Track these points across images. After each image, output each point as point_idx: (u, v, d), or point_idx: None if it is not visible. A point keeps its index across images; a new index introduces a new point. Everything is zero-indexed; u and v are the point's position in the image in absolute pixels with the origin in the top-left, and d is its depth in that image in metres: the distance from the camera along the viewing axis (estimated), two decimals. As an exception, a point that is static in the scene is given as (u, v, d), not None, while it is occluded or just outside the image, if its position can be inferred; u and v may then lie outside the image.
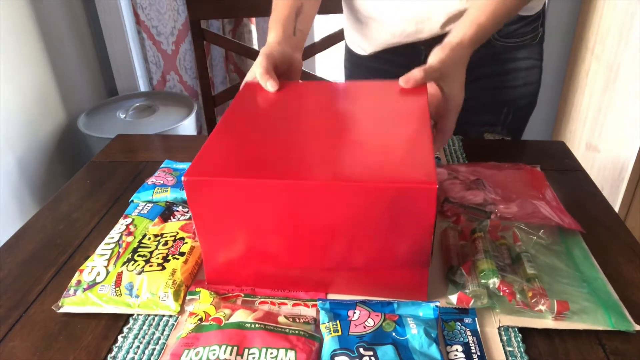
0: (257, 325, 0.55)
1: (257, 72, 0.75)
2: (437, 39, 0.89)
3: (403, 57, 0.94)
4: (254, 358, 0.52)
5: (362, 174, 0.54)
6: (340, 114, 0.68)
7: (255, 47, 1.88)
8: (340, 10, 1.05)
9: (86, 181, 0.92)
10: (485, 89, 0.94)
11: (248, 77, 0.80)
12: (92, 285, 0.64)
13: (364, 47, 1.00)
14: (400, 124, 0.64)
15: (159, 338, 0.59)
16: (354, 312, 0.57)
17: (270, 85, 0.73)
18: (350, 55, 1.07)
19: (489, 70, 0.93)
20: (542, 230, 0.70)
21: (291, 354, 0.52)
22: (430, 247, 0.57)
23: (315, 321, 0.59)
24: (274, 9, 0.87)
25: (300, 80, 0.85)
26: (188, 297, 0.63)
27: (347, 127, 0.65)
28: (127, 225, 0.74)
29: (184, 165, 0.89)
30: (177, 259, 0.66)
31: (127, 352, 0.57)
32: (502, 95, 0.96)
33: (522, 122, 1.02)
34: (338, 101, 0.73)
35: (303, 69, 1.38)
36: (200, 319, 0.57)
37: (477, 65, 0.81)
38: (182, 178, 0.56)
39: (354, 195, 0.54)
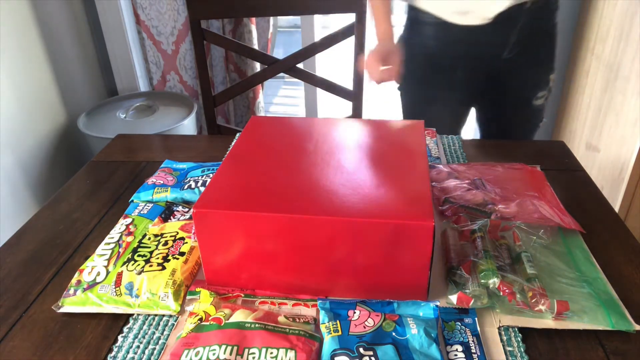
0: (257, 325, 0.55)
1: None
2: (535, 4, 0.99)
3: (501, 26, 1.00)
4: (254, 358, 0.52)
5: (362, 210, 0.57)
6: (342, 151, 0.72)
7: (256, 47, 1.88)
8: (341, 11, 1.06)
9: (86, 181, 0.92)
10: (545, 44, 1.09)
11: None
12: (92, 285, 0.64)
13: (481, 13, 1.00)
14: (399, 161, 0.68)
15: (159, 338, 0.59)
16: (354, 312, 0.57)
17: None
18: (439, 31, 1.06)
19: (545, 31, 1.08)
20: (542, 230, 0.70)
21: (291, 353, 0.52)
22: (428, 277, 0.59)
23: (315, 321, 0.59)
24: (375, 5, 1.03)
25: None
26: (188, 297, 0.63)
27: (349, 163, 0.68)
28: (127, 225, 0.74)
29: (184, 165, 0.89)
30: (177, 258, 0.66)
31: (127, 352, 0.57)
32: (552, 44, 1.10)
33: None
34: (340, 138, 0.76)
35: (303, 69, 1.38)
36: (200, 319, 0.57)
37: (542, 26, 1.05)
38: (192, 210, 0.60)
39: (355, 230, 0.57)
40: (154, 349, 0.57)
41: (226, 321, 0.56)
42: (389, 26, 1.04)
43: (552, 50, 1.10)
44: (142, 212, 0.77)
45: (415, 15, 1.07)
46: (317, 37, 1.57)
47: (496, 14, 0.96)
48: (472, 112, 1.19)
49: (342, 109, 1.52)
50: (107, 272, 0.65)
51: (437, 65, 1.08)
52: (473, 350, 0.55)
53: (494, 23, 0.97)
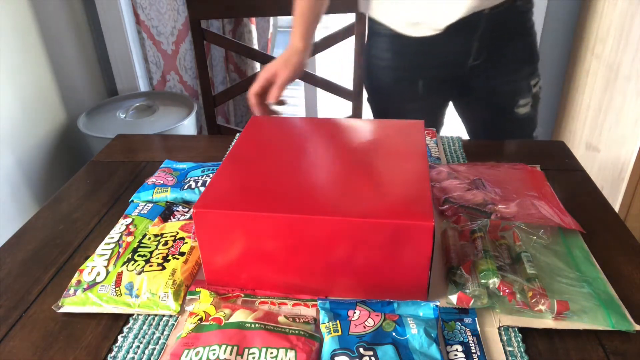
0: (257, 325, 0.55)
1: (279, 80, 0.89)
2: (497, 9, 0.92)
3: (460, 34, 0.95)
4: (254, 358, 0.52)
5: (362, 210, 0.57)
6: (342, 150, 0.72)
7: (255, 47, 1.88)
8: (341, 11, 1.05)
9: (86, 181, 0.92)
10: (521, 48, 1.01)
11: (268, 71, 0.91)
12: (92, 285, 0.64)
13: (432, 24, 0.96)
14: (399, 161, 0.68)
15: (159, 338, 0.59)
16: (354, 312, 0.57)
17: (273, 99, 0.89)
18: (395, 42, 1.03)
19: (519, 32, 1.00)
20: (542, 230, 0.70)
21: (291, 353, 0.52)
22: (428, 277, 0.59)
23: (315, 321, 0.59)
24: (299, 11, 0.93)
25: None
26: (188, 297, 0.63)
27: (349, 163, 0.68)
28: (127, 225, 0.74)
29: (184, 165, 0.89)
30: (177, 258, 0.66)
31: (127, 352, 0.57)
32: (531, 48, 1.02)
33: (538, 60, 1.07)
34: (340, 138, 0.76)
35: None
36: (200, 319, 0.57)
37: (512, 29, 0.97)
38: (192, 210, 0.60)
39: (355, 230, 0.57)
40: (154, 349, 0.57)
41: (226, 321, 0.56)
42: (303, 39, 0.93)
43: (530, 54, 1.02)
44: (142, 212, 0.77)
45: (373, 27, 1.05)
46: (317, 37, 1.57)
47: (447, 25, 0.92)
48: (456, 120, 1.17)
49: (342, 109, 1.52)
50: (107, 272, 0.65)
51: (397, 77, 1.06)
52: (473, 350, 0.55)
53: (448, 33, 0.93)
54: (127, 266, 0.65)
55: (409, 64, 1.03)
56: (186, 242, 0.69)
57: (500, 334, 0.57)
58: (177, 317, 0.61)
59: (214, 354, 0.52)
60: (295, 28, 0.93)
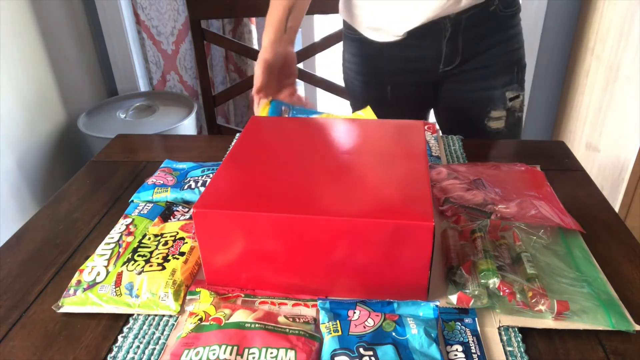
0: (257, 325, 0.55)
1: (254, 84, 0.88)
2: (465, 13, 0.90)
3: (426, 39, 0.94)
4: (254, 358, 0.52)
5: (362, 210, 0.57)
6: (342, 150, 0.72)
7: (255, 47, 1.88)
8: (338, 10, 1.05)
9: (86, 181, 0.92)
10: (499, 55, 0.99)
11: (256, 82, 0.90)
12: (92, 285, 0.64)
13: (391, 30, 0.95)
14: (399, 161, 0.67)
15: (159, 338, 0.59)
16: (354, 312, 0.57)
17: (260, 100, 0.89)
18: (362, 47, 1.02)
19: (498, 39, 0.97)
20: (542, 230, 0.70)
21: (291, 353, 0.52)
22: (428, 277, 0.59)
23: (315, 321, 0.59)
24: (269, 11, 0.92)
25: (301, 95, 0.95)
26: (188, 297, 0.63)
27: (349, 163, 0.68)
28: (127, 225, 0.74)
29: (184, 165, 0.89)
30: (177, 258, 0.66)
31: (127, 352, 0.57)
32: (511, 57, 1.00)
33: (524, 76, 1.05)
34: (340, 137, 0.76)
35: (303, 69, 1.38)
36: (200, 319, 0.58)
37: (488, 34, 0.96)
38: (192, 210, 0.60)
39: (355, 230, 0.57)
40: (154, 349, 0.57)
41: (226, 321, 0.56)
42: (275, 28, 0.89)
43: (510, 63, 0.99)
44: (142, 212, 0.77)
45: (345, 30, 1.05)
46: (317, 37, 1.57)
47: (407, 31, 0.91)
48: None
49: (342, 109, 1.52)
50: (107, 272, 0.65)
51: (365, 82, 1.05)
52: (473, 350, 0.55)
53: (411, 39, 0.92)
54: (127, 266, 0.65)
55: (375, 69, 1.02)
56: (186, 242, 0.69)
57: (500, 334, 0.57)
58: (177, 317, 0.61)
59: (214, 354, 0.52)
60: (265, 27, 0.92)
